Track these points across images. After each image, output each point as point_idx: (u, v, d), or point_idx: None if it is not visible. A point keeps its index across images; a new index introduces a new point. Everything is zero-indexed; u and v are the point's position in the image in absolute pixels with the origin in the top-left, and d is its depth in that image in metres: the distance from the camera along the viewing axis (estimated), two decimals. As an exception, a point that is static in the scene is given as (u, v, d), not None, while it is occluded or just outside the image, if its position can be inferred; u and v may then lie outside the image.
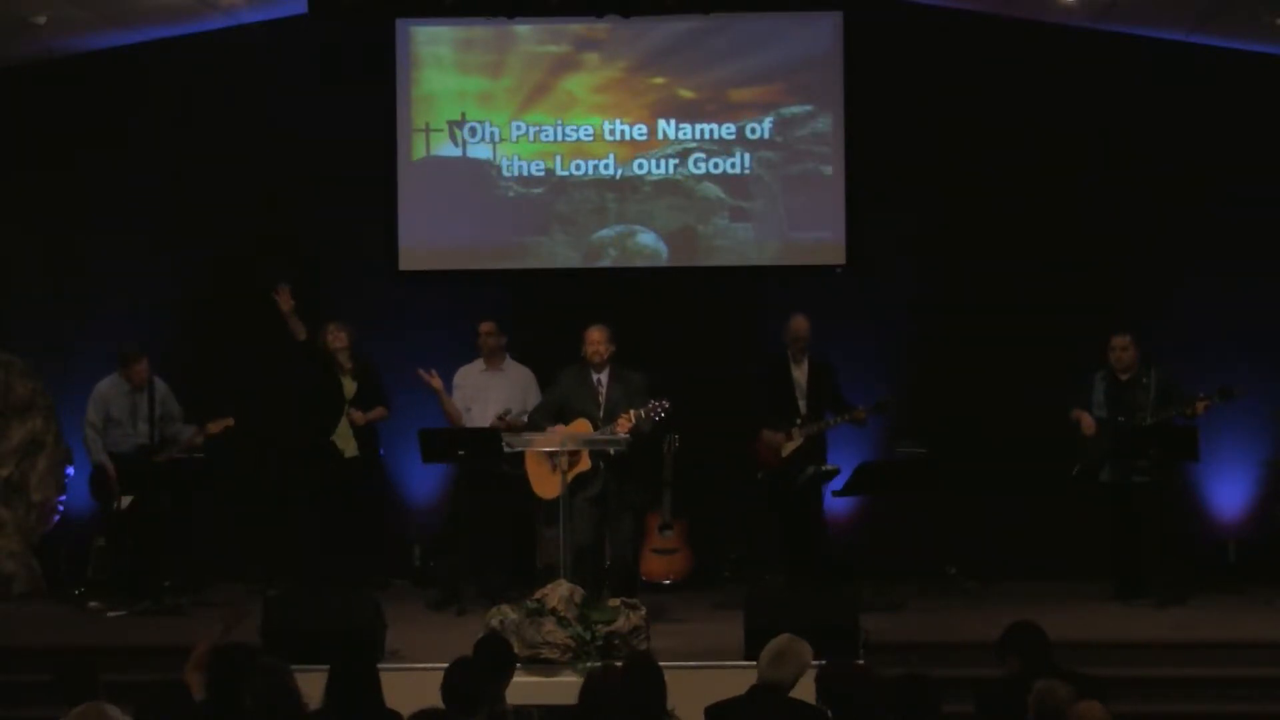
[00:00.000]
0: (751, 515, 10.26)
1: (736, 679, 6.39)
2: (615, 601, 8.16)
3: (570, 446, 8.92)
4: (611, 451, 8.99)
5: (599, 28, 10.98)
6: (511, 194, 11.20)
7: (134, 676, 7.18)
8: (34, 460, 10.69)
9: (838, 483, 9.95)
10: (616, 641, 7.86)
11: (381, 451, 10.54)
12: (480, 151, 11.18)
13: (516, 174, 11.17)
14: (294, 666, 5.91)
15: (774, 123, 11.10)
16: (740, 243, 11.14)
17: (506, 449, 9.09)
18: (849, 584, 9.15)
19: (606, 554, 9.33)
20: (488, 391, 10.01)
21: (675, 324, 10.84)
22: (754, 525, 10.28)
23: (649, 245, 11.18)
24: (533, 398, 9.97)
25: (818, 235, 11.10)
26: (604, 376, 9.30)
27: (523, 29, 11.07)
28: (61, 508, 10.78)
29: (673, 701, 5.77)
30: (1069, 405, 9.86)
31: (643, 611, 8.06)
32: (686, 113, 11.13)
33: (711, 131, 11.12)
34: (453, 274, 11.14)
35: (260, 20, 10.95)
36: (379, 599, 8.43)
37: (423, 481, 10.80)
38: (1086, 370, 9.94)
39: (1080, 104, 10.87)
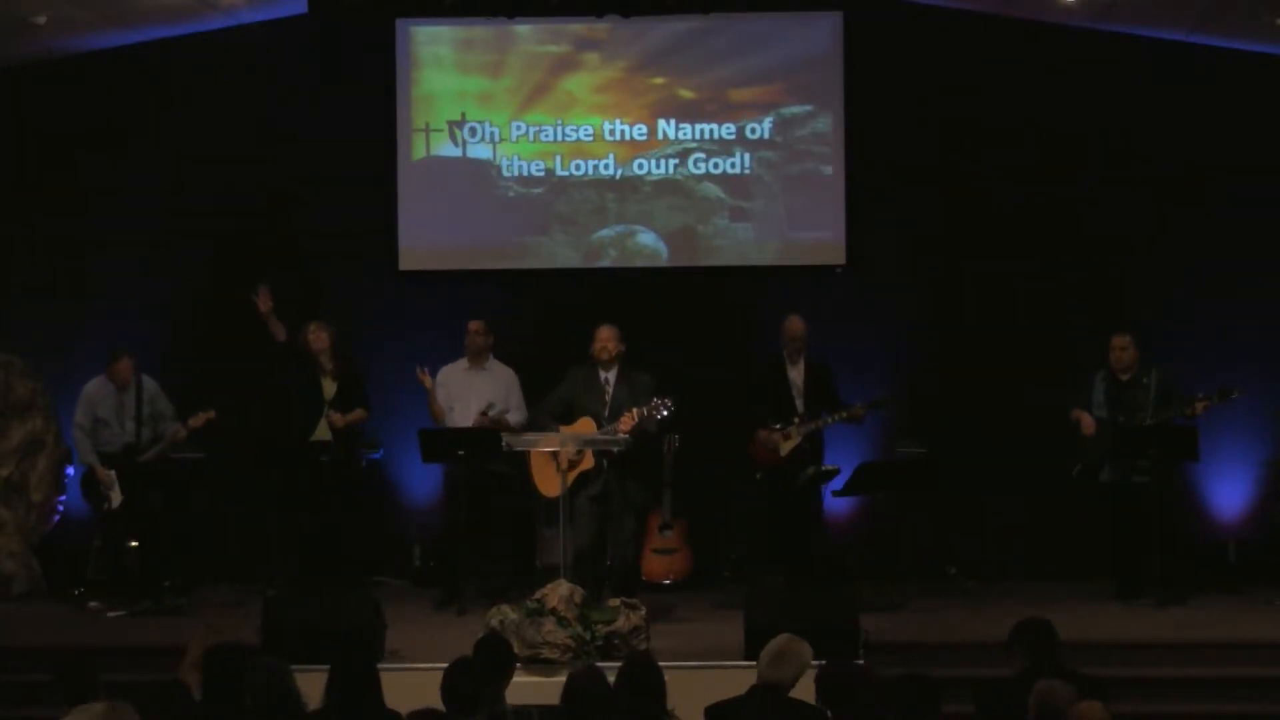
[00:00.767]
0: (751, 515, 10.26)
1: (736, 679, 6.39)
2: (615, 601, 8.17)
3: (570, 446, 8.92)
4: (615, 450, 9.00)
5: (599, 28, 10.98)
6: (511, 194, 11.20)
7: (134, 676, 7.20)
8: (34, 460, 10.69)
9: (838, 483, 9.96)
10: (616, 641, 7.87)
11: (380, 454, 10.52)
12: (480, 151, 11.18)
13: (516, 174, 11.17)
14: (294, 666, 5.91)
15: (774, 123, 11.10)
16: (740, 243, 11.14)
17: (506, 449, 9.10)
18: (849, 584, 9.15)
19: (608, 553, 9.34)
20: (470, 390, 10.00)
21: (675, 324, 10.84)
22: (754, 525, 10.28)
23: (649, 245, 11.18)
24: (515, 397, 9.98)
25: (818, 235, 11.10)
26: (611, 376, 9.33)
27: (523, 29, 11.07)
28: (61, 508, 10.79)
29: (673, 701, 5.77)
30: (1069, 405, 9.86)
31: (643, 611, 8.07)
32: (686, 113, 11.13)
33: (711, 131, 11.12)
34: (453, 274, 11.14)
35: (260, 20, 10.95)
36: (379, 599, 8.43)
37: (423, 481, 10.79)
38: (1087, 370, 9.94)
39: (1080, 104, 10.87)
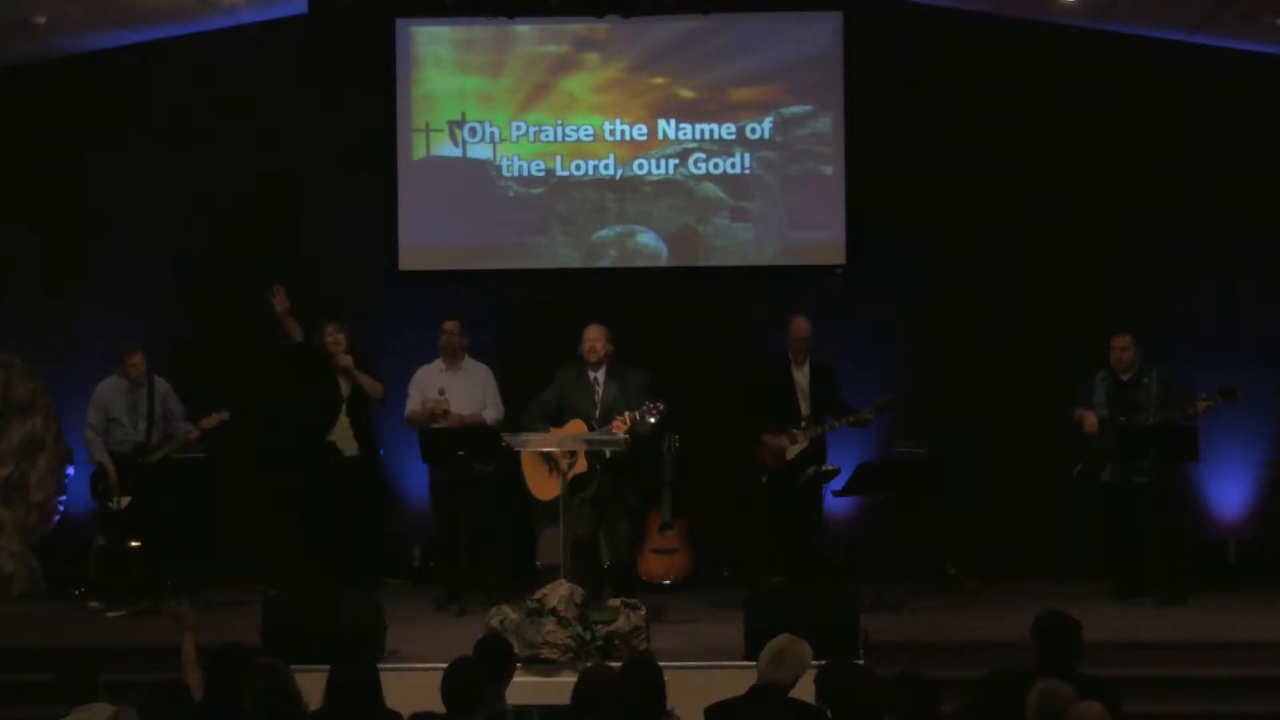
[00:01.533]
0: (751, 515, 10.25)
1: (736, 679, 6.39)
2: (615, 601, 8.18)
3: (570, 446, 8.92)
4: (608, 453, 8.98)
5: (599, 28, 10.98)
6: (511, 194, 11.20)
7: (134, 676, 7.19)
8: (34, 460, 10.69)
9: (838, 483, 9.95)
10: (616, 641, 7.88)
11: (381, 451, 10.54)
12: (480, 151, 11.18)
13: (516, 174, 11.17)
14: (294, 666, 5.91)
15: (774, 123, 11.10)
16: (740, 243, 11.14)
17: (506, 448, 9.09)
18: (849, 584, 9.15)
19: (604, 555, 9.34)
20: (449, 391, 10.00)
21: (675, 324, 10.83)
22: (754, 525, 10.27)
23: (649, 245, 11.18)
24: (491, 394, 10.00)
25: (818, 235, 11.10)
26: (601, 376, 9.31)
27: (523, 29, 11.07)
28: (61, 508, 10.80)
29: (673, 701, 5.77)
30: (1069, 405, 9.86)
31: (643, 611, 8.07)
32: (686, 113, 11.13)
33: (711, 131, 11.12)
34: (453, 274, 11.14)
35: (260, 20, 10.95)
36: (379, 599, 8.43)
37: (422, 481, 10.76)
38: (1087, 370, 9.93)
39: (1080, 104, 10.87)
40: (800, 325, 10.01)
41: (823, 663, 5.93)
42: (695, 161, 11.12)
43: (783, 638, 5.99)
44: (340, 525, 10.05)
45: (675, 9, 10.52)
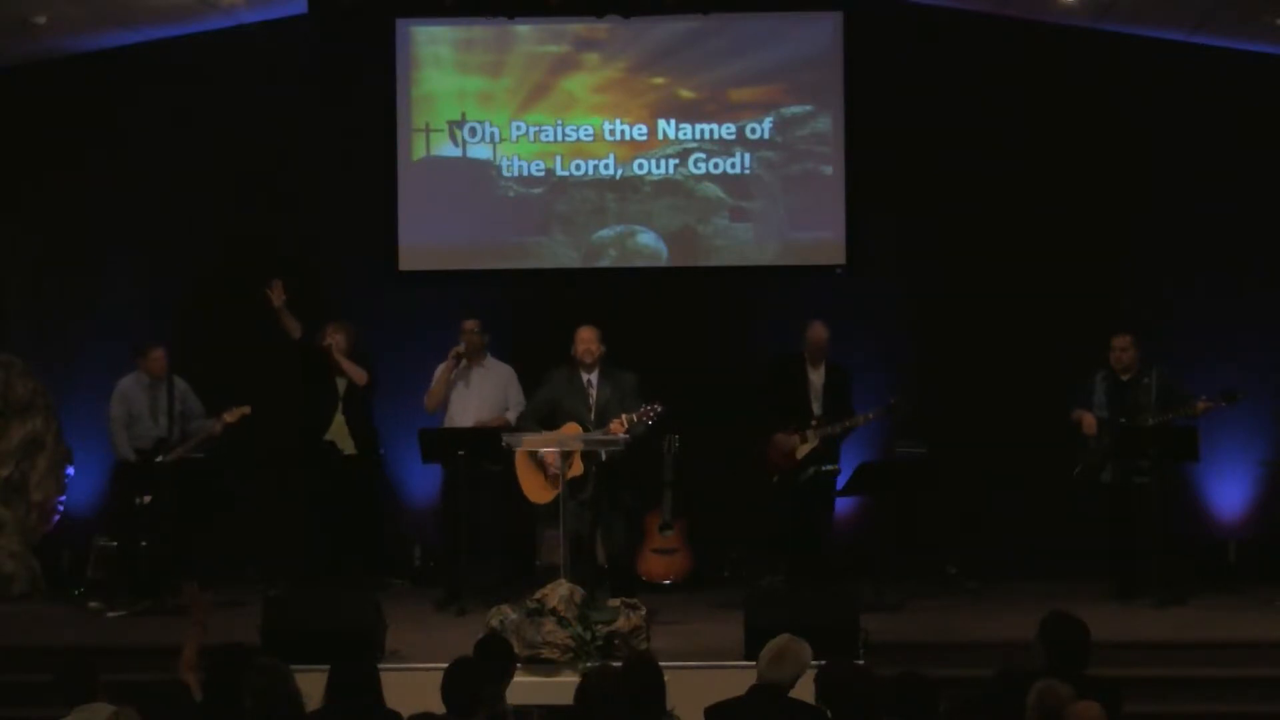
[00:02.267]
0: (751, 515, 10.25)
1: (736, 679, 6.39)
2: (615, 601, 8.17)
3: (569, 447, 8.92)
4: (603, 455, 8.98)
5: (599, 28, 10.98)
6: (511, 194, 11.20)
7: (134, 676, 7.21)
8: (34, 460, 10.69)
9: (838, 483, 9.95)
10: (616, 641, 7.87)
11: (382, 450, 10.54)
12: (480, 151, 11.18)
13: (516, 174, 11.17)
14: (294, 666, 5.91)
15: (774, 123, 11.10)
16: (740, 243, 11.14)
17: (506, 448, 9.09)
18: (849, 584, 9.15)
19: (601, 555, 9.34)
20: (469, 389, 10.01)
21: (675, 324, 10.84)
22: (754, 525, 10.27)
23: (649, 245, 11.18)
24: (514, 394, 9.98)
25: (818, 235, 11.10)
26: (594, 377, 9.30)
27: (523, 29, 11.07)
28: (61, 508, 10.79)
29: (673, 701, 5.77)
30: (1069, 405, 9.86)
31: (643, 611, 8.07)
32: (686, 113, 11.13)
33: (711, 131, 11.12)
34: (453, 274, 11.14)
35: (260, 20, 10.95)
36: (379, 599, 8.43)
37: (423, 481, 10.79)
38: (1087, 370, 9.93)
39: (1080, 104, 10.87)
40: (817, 331, 10.02)
41: (823, 663, 5.94)
42: (695, 161, 11.12)
43: (783, 638, 6.00)
44: (339, 524, 10.04)
45: (675, 9, 10.51)
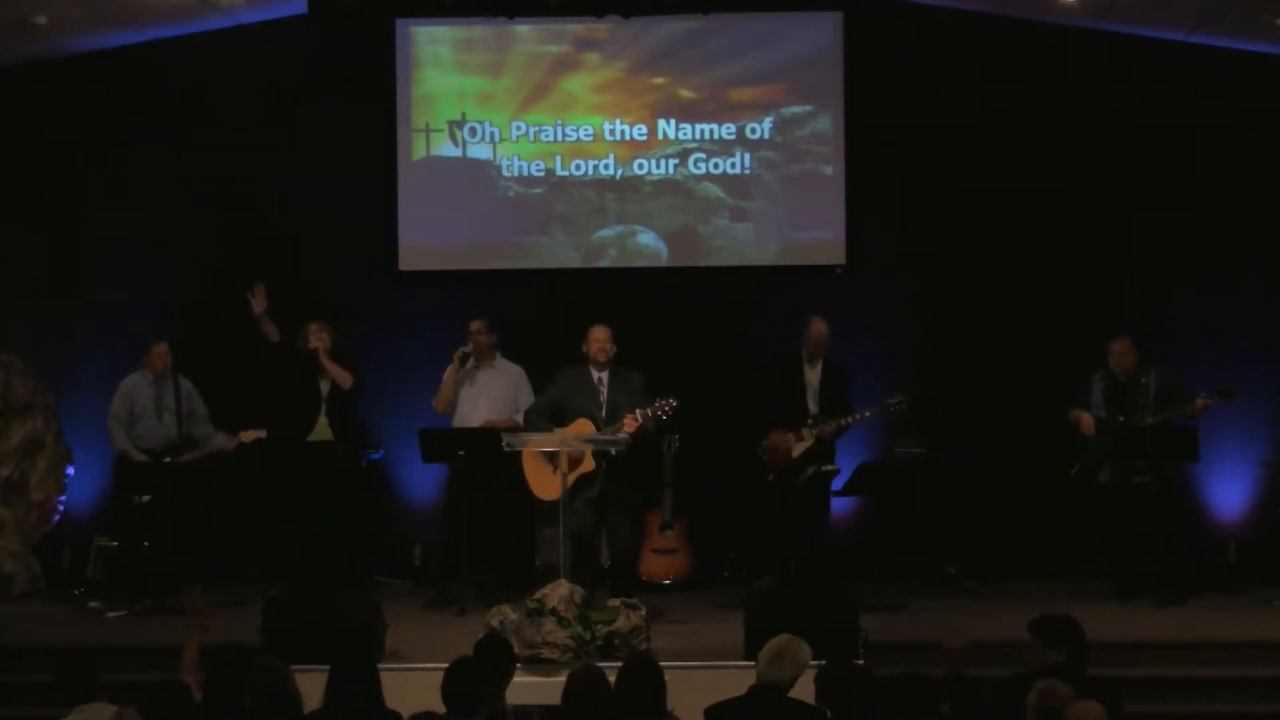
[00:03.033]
0: (751, 515, 10.25)
1: (736, 679, 6.39)
2: (615, 601, 8.17)
3: (571, 447, 8.92)
4: (613, 451, 8.99)
5: (599, 28, 10.98)
6: (511, 194, 11.20)
7: (134, 676, 7.21)
8: (34, 460, 10.69)
9: (838, 483, 9.95)
10: (616, 641, 7.87)
11: (379, 453, 10.52)
12: (480, 151, 11.18)
13: (516, 174, 11.17)
14: (294, 666, 5.91)
15: (774, 123, 11.11)
16: (740, 243, 11.14)
17: (507, 449, 9.09)
18: (849, 584, 9.15)
19: (604, 554, 9.34)
20: (478, 390, 10.00)
21: (675, 324, 10.84)
22: (754, 525, 10.27)
23: (649, 245, 11.18)
24: (524, 395, 9.98)
25: (818, 235, 11.10)
26: (604, 375, 9.31)
27: (523, 29, 11.07)
28: (61, 508, 10.79)
29: (673, 701, 5.77)
30: (1068, 405, 9.86)
31: (643, 611, 8.07)
32: (686, 113, 11.13)
33: (711, 131, 11.12)
34: (453, 274, 11.14)
35: (260, 20, 10.95)
36: (379, 599, 8.42)
37: (423, 481, 10.79)
38: (1086, 371, 9.94)
39: (1080, 104, 10.87)
40: (818, 328, 10.02)
41: (822, 663, 5.94)
42: (695, 161, 11.12)
43: (782, 637, 5.99)
44: (323, 525, 9.99)
45: (675, 9, 10.51)
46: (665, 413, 9.08)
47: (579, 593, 8.06)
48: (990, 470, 10.46)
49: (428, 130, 11.18)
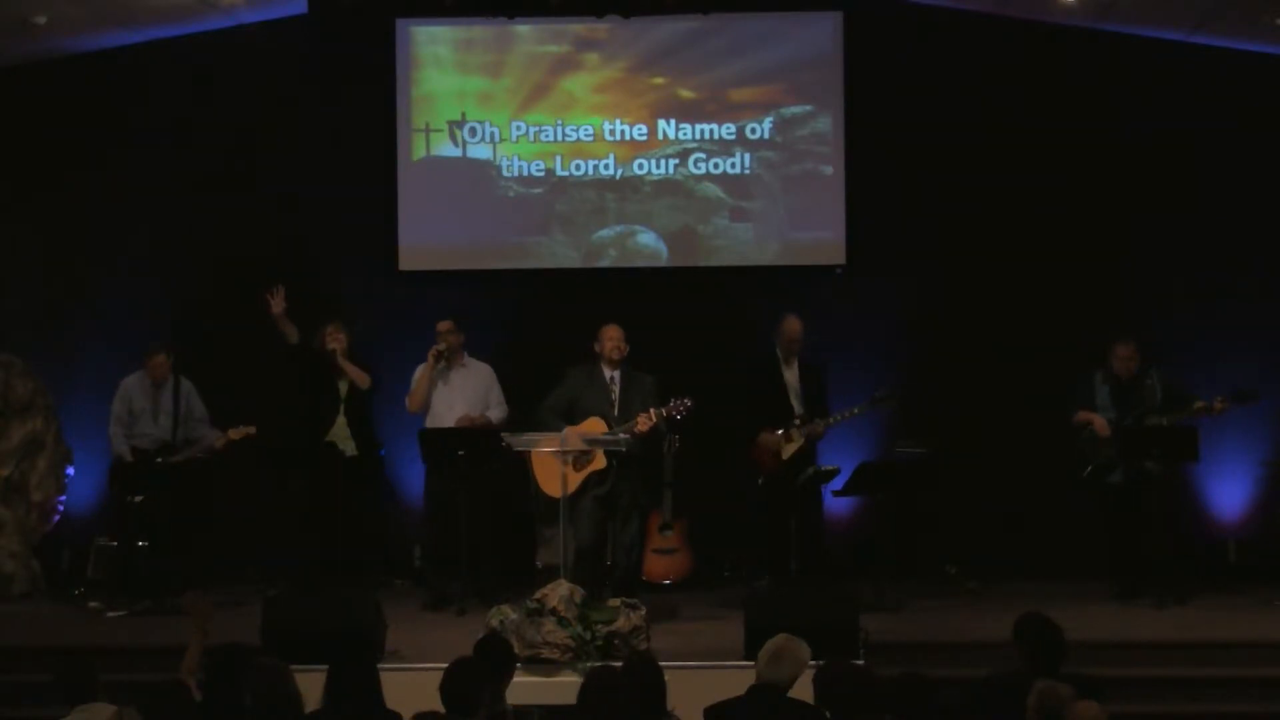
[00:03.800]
0: (751, 516, 10.24)
1: (736, 679, 6.39)
2: (615, 601, 8.17)
3: (571, 448, 8.92)
4: (624, 449, 9.00)
5: (599, 28, 10.99)
6: (511, 194, 11.20)
7: (134, 676, 7.21)
8: (34, 460, 10.69)
9: (838, 483, 9.95)
10: (616, 641, 7.87)
11: (383, 451, 10.54)
12: (480, 151, 11.18)
13: (516, 174, 11.17)
14: (294, 666, 5.91)
15: (774, 123, 11.11)
16: (740, 243, 11.14)
17: (506, 449, 9.09)
18: (849, 584, 9.15)
19: (607, 553, 9.34)
20: (450, 389, 10.01)
21: (675, 324, 10.82)
22: (754, 526, 10.26)
23: (649, 245, 11.18)
24: (495, 394, 10.01)
25: (818, 235, 11.10)
26: (616, 374, 9.33)
27: (523, 29, 11.07)
28: (61, 508, 10.79)
29: (673, 701, 5.77)
30: (1068, 407, 9.84)
31: (643, 611, 8.07)
32: (686, 113, 11.13)
33: (711, 131, 11.12)
34: (453, 274, 11.14)
35: (260, 20, 10.95)
36: (379, 599, 8.43)
37: (422, 481, 10.78)
38: (1086, 371, 9.92)
39: (1080, 104, 10.87)
40: (793, 325, 10.01)
41: (822, 662, 5.94)
42: (695, 161, 11.12)
43: (780, 637, 5.99)
44: (339, 525, 10.04)
45: (675, 9, 10.53)
46: (680, 413, 9.10)
47: (579, 593, 8.06)
48: (990, 470, 10.46)
49: (428, 130, 11.18)
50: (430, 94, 11.20)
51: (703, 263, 11.17)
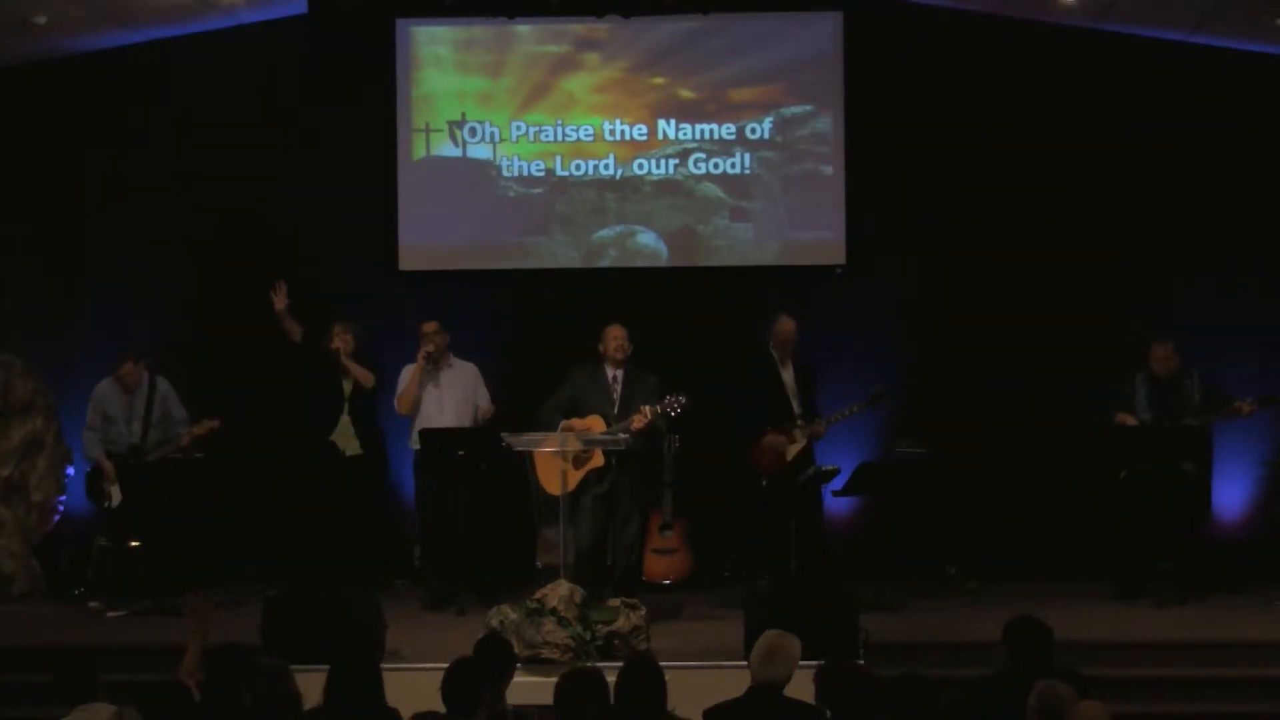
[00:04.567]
0: (751, 516, 10.24)
1: (736, 679, 6.38)
2: (615, 601, 8.18)
3: (569, 448, 8.92)
4: (625, 448, 9.00)
5: (599, 28, 10.99)
6: (511, 194, 11.20)
7: (134, 676, 7.20)
8: (34, 460, 10.70)
9: (838, 483, 9.95)
10: (616, 641, 7.88)
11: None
12: (480, 151, 11.18)
13: (516, 174, 11.17)
14: (294, 666, 5.91)
15: (774, 123, 11.11)
16: (740, 243, 11.14)
17: (506, 448, 9.09)
18: (849, 584, 9.14)
19: (608, 552, 9.34)
20: (439, 390, 10.00)
21: (675, 324, 10.83)
22: (753, 526, 10.26)
23: (649, 245, 11.18)
24: (482, 391, 10.00)
25: (818, 235, 11.10)
26: (619, 374, 9.33)
27: (523, 29, 11.07)
28: (61, 508, 10.80)
29: (673, 702, 5.77)
30: (1105, 408, 9.75)
31: (643, 611, 8.08)
32: (686, 113, 11.13)
33: (711, 131, 11.12)
34: (453, 274, 11.14)
35: (260, 20, 10.96)
36: (379, 599, 8.43)
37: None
38: (1086, 371, 9.94)
39: (1080, 104, 10.87)
40: (787, 325, 10.02)
41: (820, 662, 5.93)
42: (695, 161, 11.12)
43: (770, 635, 5.98)
44: (340, 525, 10.04)
45: (675, 9, 10.53)
46: (675, 409, 9.10)
47: (579, 593, 8.07)
48: (990, 470, 10.45)
49: (428, 130, 11.19)
50: (430, 94, 11.20)
51: (703, 263, 11.17)
